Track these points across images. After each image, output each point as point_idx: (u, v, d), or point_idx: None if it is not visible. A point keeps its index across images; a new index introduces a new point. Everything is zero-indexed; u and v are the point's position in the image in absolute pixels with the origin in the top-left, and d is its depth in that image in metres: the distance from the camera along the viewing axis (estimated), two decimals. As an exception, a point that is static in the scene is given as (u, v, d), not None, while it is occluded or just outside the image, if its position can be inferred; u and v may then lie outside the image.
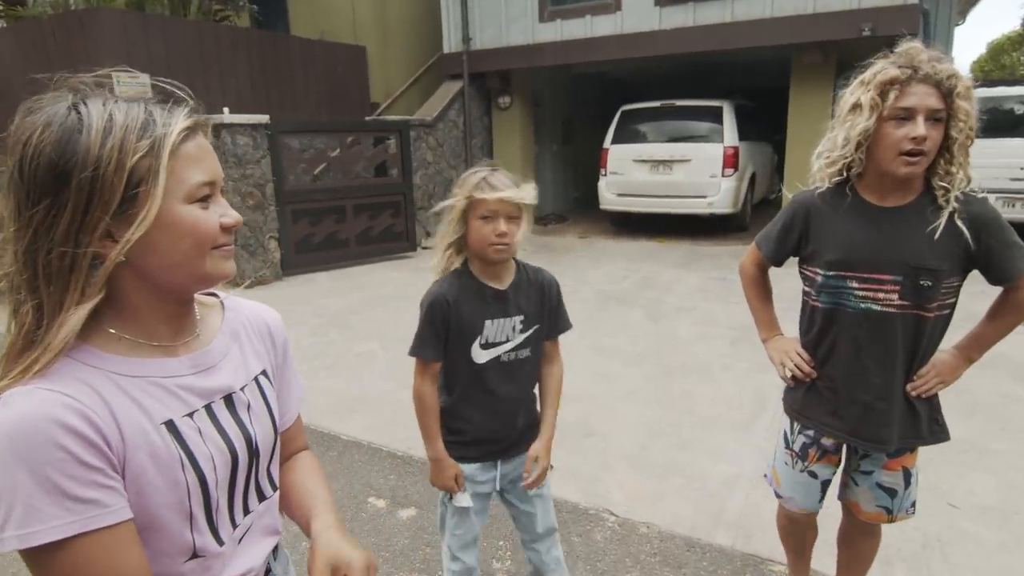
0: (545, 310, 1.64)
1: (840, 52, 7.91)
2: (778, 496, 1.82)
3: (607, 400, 3.66)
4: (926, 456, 2.91)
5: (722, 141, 8.02)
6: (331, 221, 7.19)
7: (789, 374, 1.69)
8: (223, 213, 0.85)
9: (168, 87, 0.86)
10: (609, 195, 8.78)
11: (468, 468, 1.64)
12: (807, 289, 1.64)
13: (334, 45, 9.38)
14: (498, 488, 1.72)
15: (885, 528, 2.39)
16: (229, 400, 0.90)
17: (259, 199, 6.46)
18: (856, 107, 1.45)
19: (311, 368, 4.18)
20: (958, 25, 17.55)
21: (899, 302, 1.49)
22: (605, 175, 8.75)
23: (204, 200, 0.82)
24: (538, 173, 10.63)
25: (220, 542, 0.87)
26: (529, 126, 10.14)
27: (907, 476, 1.66)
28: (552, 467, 1.72)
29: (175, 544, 0.81)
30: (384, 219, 7.71)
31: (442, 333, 1.56)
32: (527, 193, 1.50)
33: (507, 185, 1.49)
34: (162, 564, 0.81)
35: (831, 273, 1.55)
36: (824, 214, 1.57)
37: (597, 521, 2.55)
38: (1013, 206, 7.09)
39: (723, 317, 5.06)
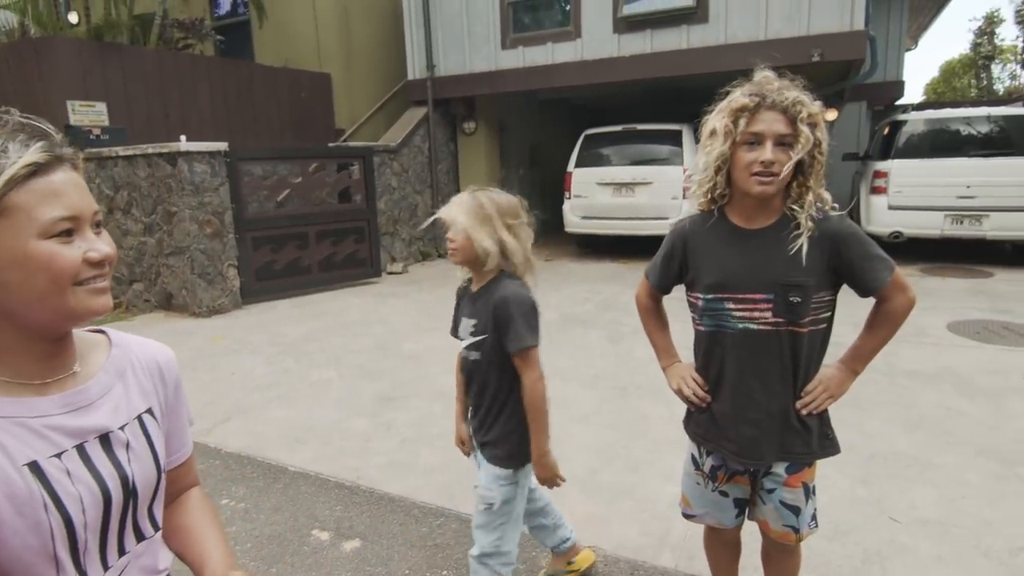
0: (492, 324, 1.74)
1: (792, 77, 8.16)
2: (689, 516, 1.83)
3: (561, 423, 3.62)
4: (871, 472, 2.96)
5: (682, 164, 8.17)
6: (293, 248, 7.13)
7: (690, 400, 1.72)
8: (90, 248, 0.84)
9: (34, 123, 0.84)
10: (574, 218, 8.87)
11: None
12: (693, 315, 1.68)
13: (298, 72, 9.42)
14: (479, 470, 1.92)
15: (822, 544, 2.42)
16: (105, 439, 0.88)
17: (217, 227, 6.38)
18: (713, 133, 1.53)
19: (264, 398, 4.11)
20: (910, 50, 18.27)
21: (773, 319, 1.52)
22: (569, 198, 8.85)
23: (66, 235, 0.81)
24: (505, 197, 10.70)
25: None
26: (495, 151, 10.24)
27: (807, 491, 1.67)
28: (491, 504, 1.86)
29: None
30: (348, 245, 7.68)
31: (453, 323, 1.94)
32: (446, 212, 1.75)
33: (456, 204, 1.74)
34: None
35: (710, 296, 1.59)
36: (700, 240, 1.63)
37: (543, 547, 2.52)
38: (961, 223, 7.31)
39: (680, 338, 5.09)
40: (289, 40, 10.03)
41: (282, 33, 10.05)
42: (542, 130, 12.05)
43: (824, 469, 2.95)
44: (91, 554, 0.85)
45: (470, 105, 9.71)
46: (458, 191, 7.87)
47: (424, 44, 9.34)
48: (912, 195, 7.48)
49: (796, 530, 1.68)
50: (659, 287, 1.79)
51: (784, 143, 1.45)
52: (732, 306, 1.56)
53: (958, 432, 3.34)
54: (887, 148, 7.89)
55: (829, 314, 1.58)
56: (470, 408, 1.93)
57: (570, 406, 3.88)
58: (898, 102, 12.44)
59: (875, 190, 7.72)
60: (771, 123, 1.45)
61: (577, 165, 8.80)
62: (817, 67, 7.48)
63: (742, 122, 1.46)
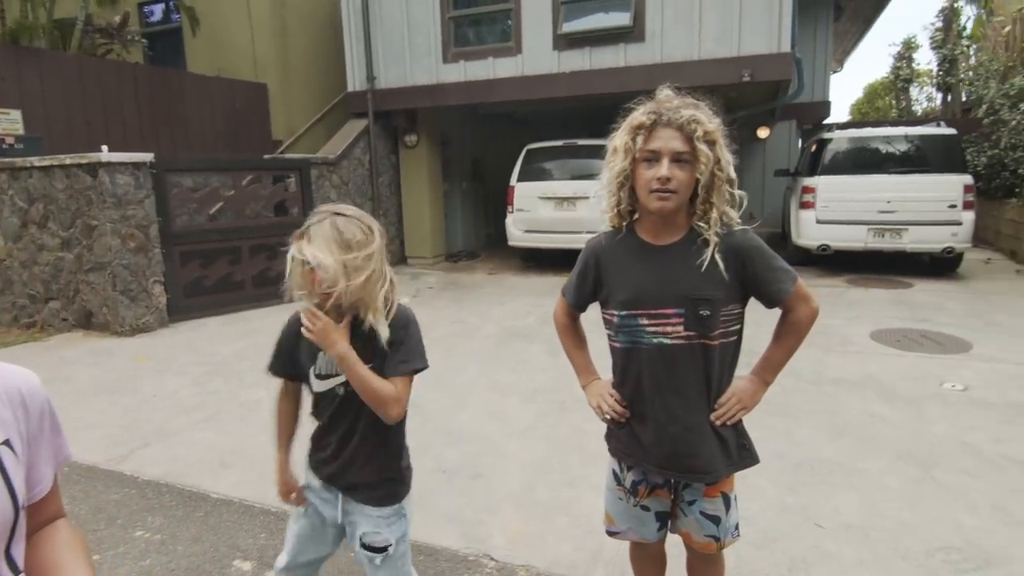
0: (375, 352, 1.57)
1: (726, 96, 8.46)
2: (613, 534, 1.82)
3: (499, 439, 3.60)
4: (798, 479, 3.03)
5: (622, 178, 8.31)
6: (225, 263, 6.87)
7: (607, 417, 1.72)
8: None
9: None
10: (516, 232, 8.89)
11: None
12: (608, 332, 1.68)
13: (233, 82, 9.15)
14: (339, 522, 1.70)
15: (751, 552, 2.45)
16: None
17: (141, 241, 6.09)
18: (615, 150, 1.56)
19: (188, 421, 3.90)
20: (836, 72, 19.24)
21: (685, 333, 1.54)
22: (512, 212, 8.87)
23: None
24: (448, 210, 10.66)
25: None
26: (437, 164, 10.18)
27: (727, 501, 1.69)
28: (389, 545, 1.66)
29: None
30: (284, 260, 7.39)
31: (284, 356, 1.69)
32: (311, 254, 1.45)
33: (319, 245, 1.46)
34: None
35: (624, 312, 1.60)
36: (611, 257, 1.64)
37: (476, 567, 2.46)
38: (883, 236, 7.69)
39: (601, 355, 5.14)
40: (223, 49, 9.75)
41: (216, 42, 9.76)
42: (484, 144, 12.08)
43: (753, 478, 3.02)
44: None
45: (412, 118, 9.64)
46: (400, 204, 7.72)
47: (364, 56, 9.23)
48: (838, 210, 7.82)
49: (717, 539, 1.70)
50: (575, 305, 1.79)
51: (681, 160, 1.47)
52: (646, 322, 1.57)
53: (880, 438, 3.46)
54: (814, 165, 8.24)
55: (739, 327, 1.61)
56: (328, 449, 1.65)
57: (508, 421, 3.84)
58: (825, 121, 13.05)
59: (804, 205, 8.04)
60: (667, 140, 1.47)
61: (519, 179, 8.85)
62: (749, 87, 7.77)
63: (640, 139, 1.49)
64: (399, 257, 10.05)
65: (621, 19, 8.00)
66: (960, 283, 7.45)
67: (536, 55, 8.51)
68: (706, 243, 1.52)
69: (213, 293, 6.81)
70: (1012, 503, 2.77)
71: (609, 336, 1.68)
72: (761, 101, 9.28)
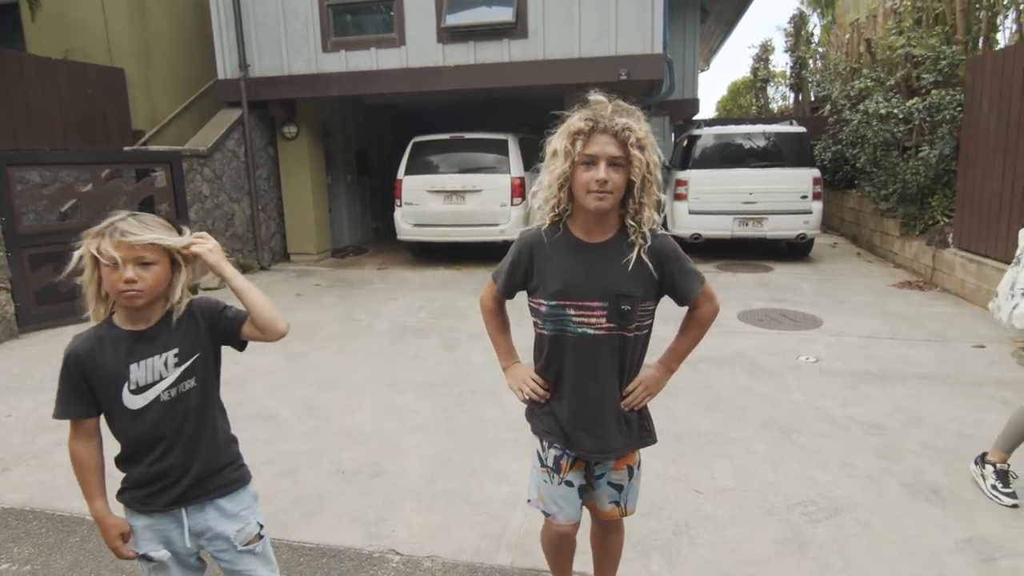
0: (206, 338, 1.60)
1: (604, 93, 8.82)
2: (547, 514, 1.91)
3: (398, 436, 3.60)
4: (679, 451, 3.29)
5: (510, 172, 8.47)
6: (83, 266, 6.26)
7: (527, 398, 1.84)
8: None
9: None
10: (405, 225, 8.81)
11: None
12: (535, 320, 1.79)
13: (83, 66, 8.31)
14: (188, 545, 1.61)
15: (641, 522, 2.64)
16: None
17: (-18, 243, 5.44)
18: (555, 154, 1.66)
19: (51, 441, 3.56)
20: (703, 71, 20.58)
21: (607, 325, 1.68)
22: (400, 206, 8.78)
23: None
24: (332, 204, 10.34)
25: None
26: (319, 156, 9.83)
27: (631, 472, 1.88)
28: (262, 525, 1.70)
29: None
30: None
31: (84, 387, 1.51)
32: (151, 235, 1.44)
33: (139, 230, 1.43)
34: None
35: (553, 303, 1.71)
36: (545, 250, 1.74)
37: (381, 563, 2.47)
38: (746, 225, 8.39)
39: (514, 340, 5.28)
40: (70, 30, 8.82)
41: (61, 21, 8.81)
42: (369, 136, 11.81)
43: (642, 454, 3.24)
44: None
45: (290, 108, 9.24)
46: (280, 199, 7.43)
47: (236, 41, 8.72)
48: (707, 201, 8.44)
49: (619, 504, 1.88)
50: (504, 292, 1.87)
51: (616, 164, 1.59)
52: (572, 312, 1.69)
53: (748, 408, 3.83)
54: (686, 159, 8.83)
55: (651, 321, 1.77)
56: (172, 473, 1.55)
57: (406, 417, 3.85)
58: (695, 117, 13.96)
59: (678, 197, 8.60)
60: (604, 146, 1.58)
61: (407, 172, 8.76)
62: (626, 84, 8.15)
63: (579, 144, 1.59)
64: (281, 254, 9.63)
65: (504, 14, 8.11)
66: (812, 265, 8.30)
67: (420, 47, 8.43)
68: (633, 244, 1.65)
69: (71, 300, 6.17)
70: (856, 459, 3.18)
71: (536, 324, 1.78)
72: (637, 97, 9.75)
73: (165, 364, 1.53)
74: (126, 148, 7.92)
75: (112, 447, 1.60)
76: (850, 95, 9.64)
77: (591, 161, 1.59)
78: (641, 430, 1.83)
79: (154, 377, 1.53)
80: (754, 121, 12.86)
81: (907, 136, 8.42)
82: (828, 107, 10.49)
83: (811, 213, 8.24)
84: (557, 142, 1.65)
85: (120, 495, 1.60)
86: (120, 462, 1.59)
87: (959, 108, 7.03)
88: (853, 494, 2.86)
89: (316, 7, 8.57)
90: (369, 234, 11.70)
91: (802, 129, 8.85)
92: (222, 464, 1.63)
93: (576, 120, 1.62)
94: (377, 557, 2.51)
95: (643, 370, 1.80)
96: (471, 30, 8.25)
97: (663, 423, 3.59)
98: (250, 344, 1.65)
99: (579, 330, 1.69)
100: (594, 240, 1.70)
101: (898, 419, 3.62)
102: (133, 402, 1.52)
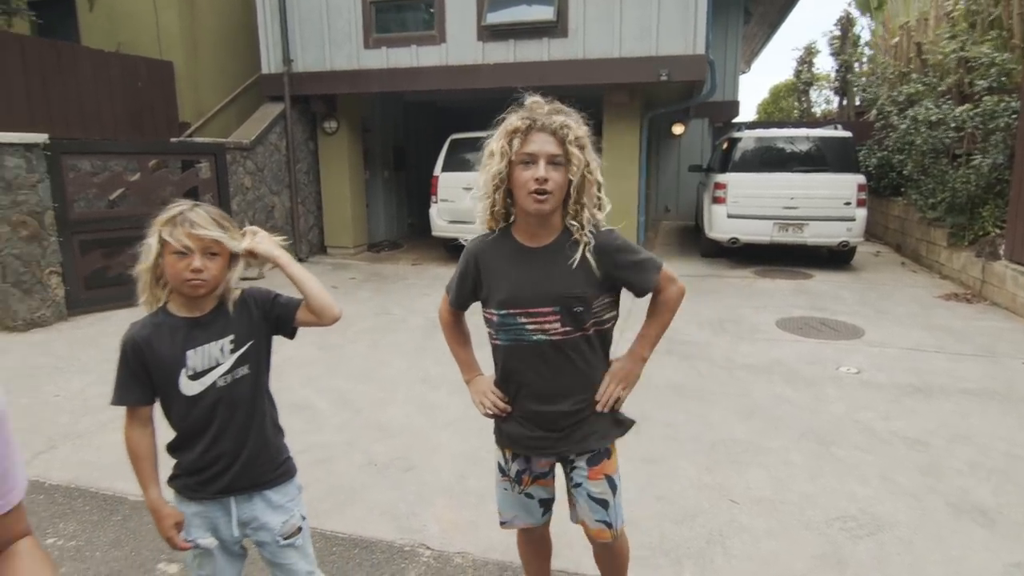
0: (260, 326, 1.64)
1: (645, 93, 8.75)
2: (504, 524, 1.91)
3: (430, 431, 3.62)
4: (713, 459, 3.24)
5: (545, 171, 8.44)
6: (130, 253, 6.41)
7: (489, 412, 1.79)
8: None
9: None
10: (441, 222, 8.86)
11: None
12: (489, 330, 1.74)
13: (134, 59, 8.57)
14: (236, 535, 1.65)
15: (673, 529, 2.60)
16: None
17: (35, 228, 5.63)
18: (491, 154, 1.62)
19: (96, 422, 3.68)
20: (744, 73, 20.23)
21: (562, 329, 1.64)
22: (436, 202, 8.83)
23: None
24: (370, 200, 10.46)
25: None
26: (358, 152, 9.95)
27: (612, 484, 1.78)
28: (304, 518, 1.74)
29: None
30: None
31: (142, 374, 1.53)
32: (218, 233, 1.49)
33: (206, 222, 1.48)
34: None
35: (503, 312, 1.66)
36: (489, 258, 1.71)
37: (412, 557, 2.49)
38: (786, 230, 8.22)
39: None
40: (122, 22, 9.10)
41: (114, 14, 9.09)
42: (408, 132, 11.91)
43: (673, 460, 3.21)
44: None
45: (331, 104, 9.37)
46: (319, 192, 7.54)
47: (280, 37, 8.87)
48: (746, 205, 8.29)
49: (609, 525, 1.78)
50: (456, 304, 1.83)
51: (555, 162, 1.55)
52: (524, 320, 1.64)
53: (785, 418, 3.74)
54: (726, 162, 8.68)
55: (612, 313, 1.72)
56: (220, 461, 1.58)
57: (438, 413, 3.87)
58: (735, 120, 13.74)
59: (716, 200, 8.47)
60: (542, 144, 1.55)
61: (444, 169, 8.81)
62: (666, 85, 8.07)
63: (516, 142, 1.56)
64: (318, 247, 9.78)
65: (545, 13, 8.09)
66: (853, 274, 8.09)
67: (460, 45, 8.47)
68: (576, 243, 1.61)
69: (117, 285, 6.38)
70: (898, 475, 3.08)
71: (490, 335, 1.73)
72: (677, 99, 9.65)
73: (221, 350, 1.57)
74: (173, 139, 8.13)
75: (165, 435, 1.63)
76: (898, 100, 9.38)
77: (530, 160, 1.55)
78: (615, 423, 1.77)
79: (210, 363, 1.56)
80: (797, 125, 12.58)
81: (957, 143, 8.15)
82: (874, 112, 10.21)
83: (855, 220, 8.03)
84: (494, 143, 1.61)
85: (171, 481, 1.63)
86: (172, 449, 1.62)
87: (1014, 116, 6.78)
88: (895, 511, 2.77)
89: (359, 4, 8.67)
90: (404, 230, 11.80)
91: (848, 134, 8.63)
92: (271, 455, 1.66)
93: (513, 119, 1.59)
94: (408, 551, 2.52)
95: (613, 365, 1.75)
96: (511, 28, 8.25)
97: (697, 430, 3.56)
98: (286, 335, 1.69)
99: (534, 338, 1.65)
100: (538, 244, 1.66)
101: (943, 435, 3.50)
102: (190, 388, 1.55)
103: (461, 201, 8.64)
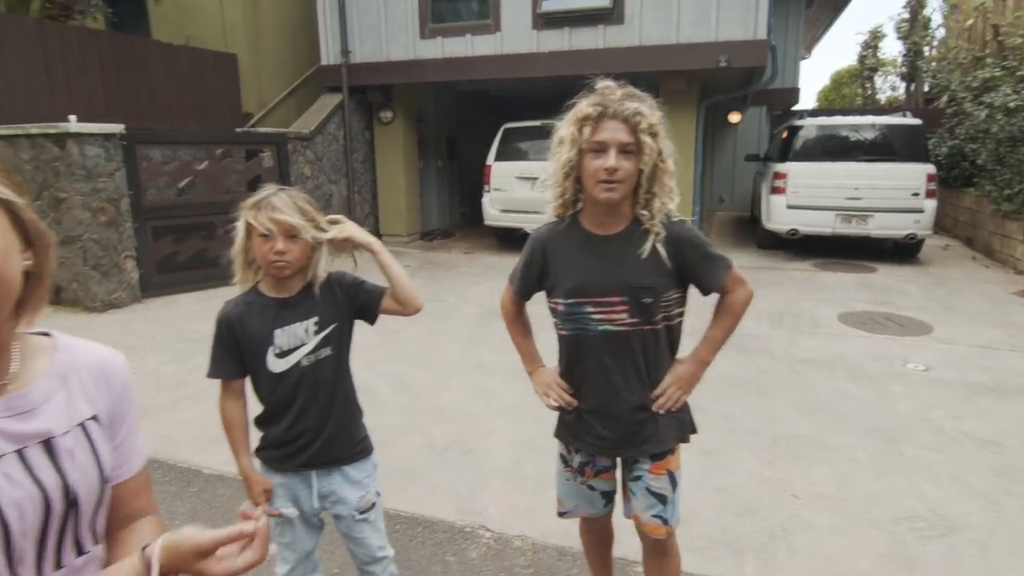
0: (345, 309, 1.70)
1: (702, 80, 8.56)
2: (563, 514, 1.91)
3: (484, 417, 3.68)
4: (775, 453, 3.18)
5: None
6: (198, 238, 6.74)
7: (554, 404, 1.76)
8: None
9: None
10: (493, 211, 8.91)
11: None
12: (555, 320, 1.71)
13: (201, 51, 8.88)
14: (316, 507, 1.72)
15: (734, 522, 2.58)
16: (48, 445, 0.84)
17: (113, 215, 5.94)
18: (561, 141, 1.59)
19: (172, 398, 3.88)
20: (804, 59, 19.55)
21: (630, 320, 1.60)
22: (489, 191, 8.88)
23: None
24: (423, 188, 10.60)
25: None
26: (413, 141, 10.09)
27: (672, 480, 1.74)
28: (379, 494, 1.81)
29: None
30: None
31: (234, 350, 1.63)
32: (297, 219, 1.54)
33: (287, 207, 1.53)
34: None
35: (570, 301, 1.63)
36: (558, 247, 1.68)
37: (473, 538, 2.55)
38: (849, 222, 7.93)
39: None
40: (190, 16, 9.44)
41: (182, 8, 9.44)
42: (461, 122, 11.99)
43: (734, 452, 3.17)
44: (27, 564, 0.82)
45: (387, 94, 9.51)
46: (374, 181, 7.68)
47: (339, 28, 9.05)
48: (807, 195, 8.04)
49: (665, 521, 1.73)
50: (521, 293, 1.81)
51: (627, 151, 1.51)
52: (591, 310, 1.61)
53: (849, 414, 3.65)
54: (785, 151, 8.43)
55: (680, 310, 1.67)
56: (303, 436, 1.65)
57: (492, 399, 3.92)
58: (794, 107, 13.29)
59: (775, 190, 8.24)
60: (614, 132, 1.50)
61: (497, 159, 8.84)
62: (724, 72, 7.87)
63: (586, 130, 1.52)
64: (373, 235, 9.89)
65: (600, 0, 8.00)
66: (920, 268, 7.77)
67: (515, 33, 8.46)
68: (647, 233, 1.58)
69: (186, 270, 6.68)
70: (971, 476, 2.97)
71: (556, 324, 1.71)
72: (735, 87, 9.40)
73: (306, 331, 1.63)
74: (237, 130, 8.41)
75: (255, 409, 1.72)
76: (972, 86, 8.90)
77: (600, 148, 1.51)
78: (681, 424, 1.74)
79: (296, 342, 1.62)
80: (862, 112, 12.09)
81: (1039, 131, 7.69)
82: (945, 98, 9.72)
83: (923, 212, 7.68)
84: (564, 129, 1.57)
85: (258, 452, 1.73)
86: (259, 423, 1.71)
87: (1106, 101, 6.35)
88: (968, 513, 2.67)
89: (416, -6, 8.75)
90: (456, 219, 11.91)
91: (917, 121, 8.24)
92: (350, 433, 1.73)
93: (584, 106, 1.54)
94: (469, 532, 2.58)
95: (675, 366, 1.71)
96: (566, 16, 8.19)
97: (758, 423, 3.50)
98: (368, 320, 1.75)
99: (600, 328, 1.61)
100: (607, 232, 1.62)
101: (1018, 437, 3.35)
102: (277, 365, 1.62)
103: (514, 190, 8.67)
